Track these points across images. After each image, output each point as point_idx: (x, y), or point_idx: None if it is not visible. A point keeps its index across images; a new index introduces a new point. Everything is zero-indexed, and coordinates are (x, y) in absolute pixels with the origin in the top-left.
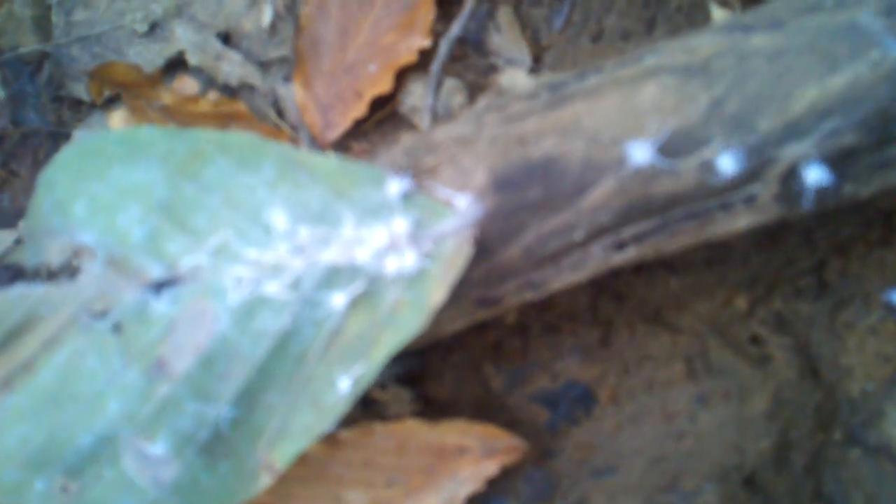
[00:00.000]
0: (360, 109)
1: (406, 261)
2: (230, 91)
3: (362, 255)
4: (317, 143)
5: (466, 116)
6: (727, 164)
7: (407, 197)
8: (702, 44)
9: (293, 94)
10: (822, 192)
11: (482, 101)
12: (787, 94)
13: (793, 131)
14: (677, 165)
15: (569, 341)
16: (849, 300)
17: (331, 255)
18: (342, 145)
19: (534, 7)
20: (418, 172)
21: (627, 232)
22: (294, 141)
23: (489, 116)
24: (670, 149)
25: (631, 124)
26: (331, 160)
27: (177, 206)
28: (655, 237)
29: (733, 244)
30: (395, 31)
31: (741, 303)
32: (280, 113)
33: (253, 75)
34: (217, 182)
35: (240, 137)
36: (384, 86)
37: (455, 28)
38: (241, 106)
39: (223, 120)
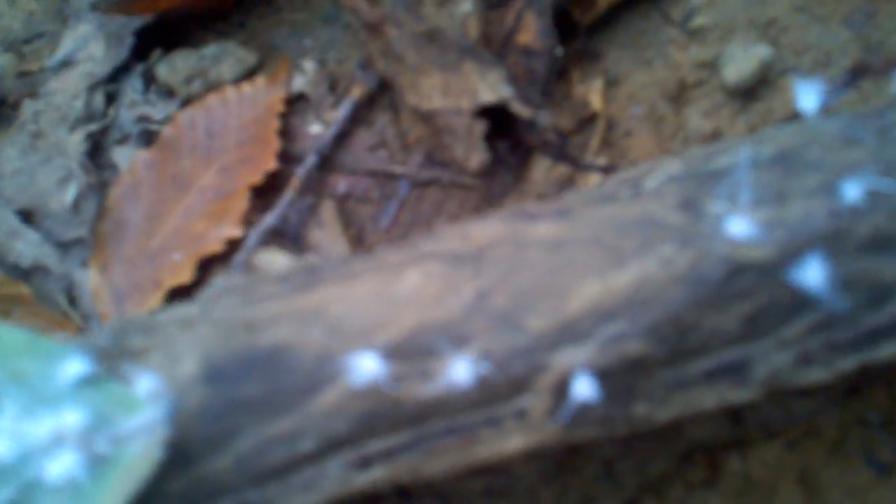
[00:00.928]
0: (156, 300)
1: (71, 464)
2: (20, 273)
3: (16, 455)
4: None
5: (203, 296)
6: (489, 369)
7: (91, 383)
8: (481, 230)
9: (89, 279)
10: (596, 410)
11: (221, 280)
12: (563, 291)
13: (568, 334)
14: (430, 368)
15: None
16: None
17: None
18: None
19: (361, 204)
20: (122, 355)
21: (373, 446)
22: (83, 333)
23: (228, 298)
24: (424, 346)
25: (382, 315)
26: (16, 334)
27: None
28: (409, 455)
29: (517, 472)
30: (206, 219)
31: None
32: (72, 300)
33: (48, 256)
34: None
35: None
36: (185, 276)
37: (268, 219)
38: (24, 289)
39: (4, 303)
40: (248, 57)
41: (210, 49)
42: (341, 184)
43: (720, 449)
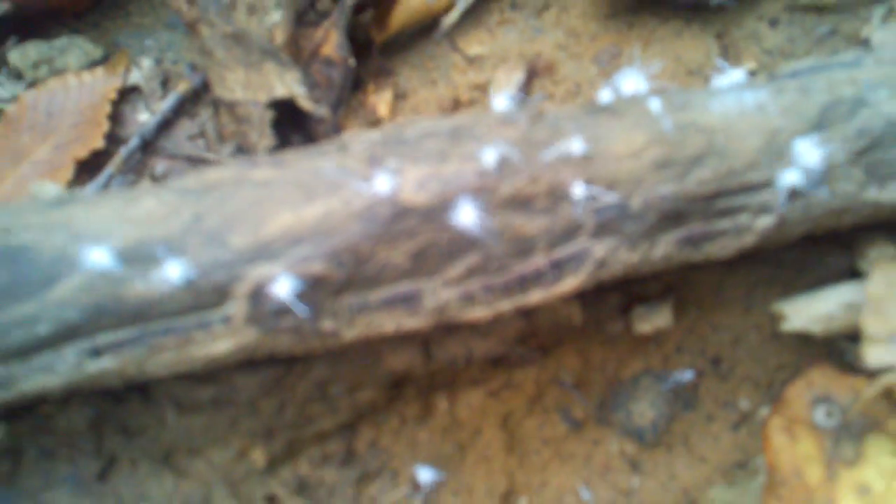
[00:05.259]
0: None
1: None
2: None
3: None
4: None
5: None
6: (197, 275)
7: None
8: (214, 173)
9: None
10: (288, 320)
11: None
12: (263, 218)
13: (264, 252)
14: (149, 271)
15: (63, 469)
16: (375, 473)
17: None
18: None
19: None
20: None
21: (103, 338)
22: None
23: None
24: (146, 254)
25: (115, 228)
26: None
27: None
28: (134, 349)
29: (239, 384)
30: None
31: (258, 457)
32: None
33: None
34: None
35: None
36: None
37: (89, 189)
38: None
39: None
40: (95, 51)
41: (61, 41)
42: (160, 165)
43: (428, 389)
